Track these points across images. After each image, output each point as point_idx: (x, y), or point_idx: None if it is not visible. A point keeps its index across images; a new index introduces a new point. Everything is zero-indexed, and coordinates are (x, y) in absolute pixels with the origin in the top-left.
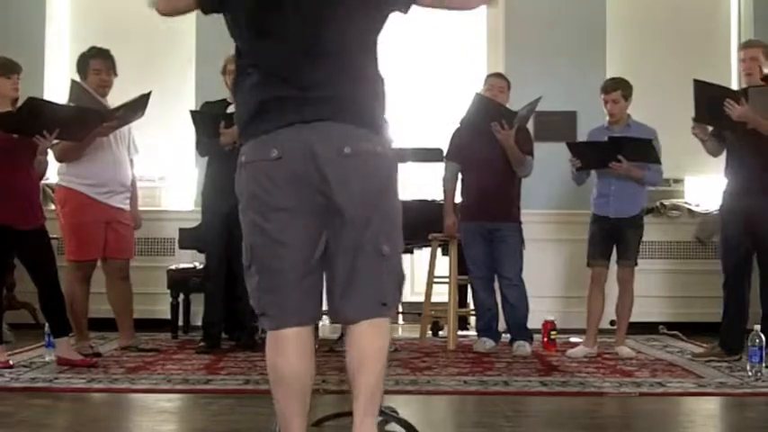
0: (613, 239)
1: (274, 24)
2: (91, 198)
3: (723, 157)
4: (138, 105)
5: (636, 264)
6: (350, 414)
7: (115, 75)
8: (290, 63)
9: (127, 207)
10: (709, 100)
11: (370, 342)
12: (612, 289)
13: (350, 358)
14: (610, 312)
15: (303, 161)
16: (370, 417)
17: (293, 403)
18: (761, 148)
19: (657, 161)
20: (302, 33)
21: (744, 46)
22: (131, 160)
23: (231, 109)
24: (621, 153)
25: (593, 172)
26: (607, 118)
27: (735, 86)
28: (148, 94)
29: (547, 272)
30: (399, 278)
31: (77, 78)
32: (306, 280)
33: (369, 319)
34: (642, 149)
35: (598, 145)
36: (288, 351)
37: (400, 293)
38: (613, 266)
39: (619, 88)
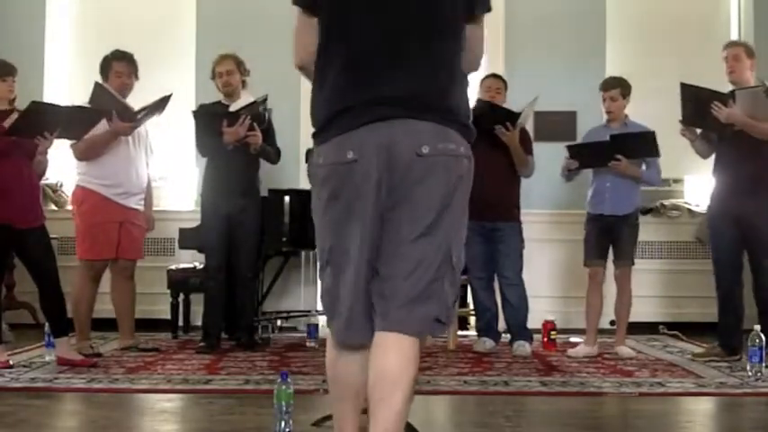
0: (609, 238)
1: (350, 19)
2: (107, 198)
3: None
4: (158, 107)
5: (633, 263)
6: None
7: (137, 78)
8: (366, 59)
9: (141, 208)
10: (697, 102)
11: (399, 364)
12: (611, 289)
13: (370, 378)
14: (610, 312)
15: (378, 162)
16: None
17: (346, 404)
18: (749, 150)
19: (659, 154)
20: (380, 28)
21: (726, 46)
22: (147, 162)
23: (233, 108)
24: (622, 151)
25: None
26: (605, 117)
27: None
28: (169, 96)
29: (547, 272)
30: (457, 296)
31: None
32: (367, 288)
33: (407, 335)
34: (645, 143)
35: (599, 145)
36: (347, 352)
37: (454, 314)
38: (611, 266)
39: (618, 86)
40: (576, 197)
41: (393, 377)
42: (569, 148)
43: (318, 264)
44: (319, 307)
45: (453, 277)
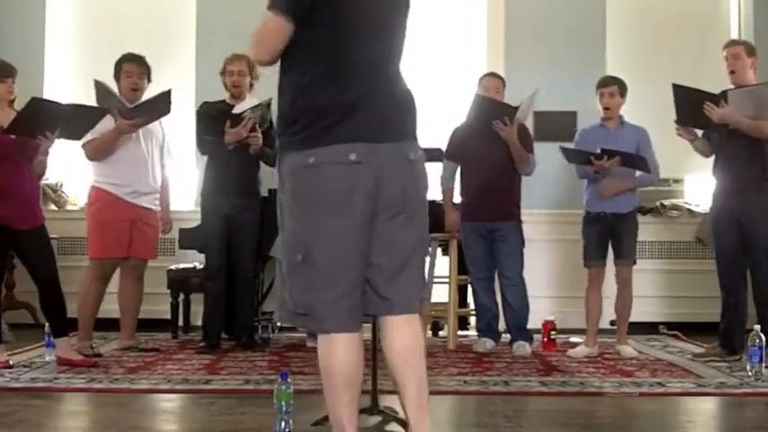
0: (609, 238)
1: (337, 32)
2: (117, 197)
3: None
4: (158, 103)
5: (635, 262)
6: None
7: (149, 81)
8: (356, 78)
9: (155, 207)
10: (690, 103)
11: (412, 338)
12: (611, 288)
13: (394, 355)
14: (610, 312)
15: (373, 167)
16: (425, 409)
17: (342, 394)
18: (747, 148)
19: (647, 170)
20: (359, 48)
21: (726, 45)
22: (163, 164)
23: (237, 110)
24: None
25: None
26: (601, 115)
27: None
28: (169, 91)
29: (547, 272)
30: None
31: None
32: (358, 287)
33: (408, 315)
34: (633, 163)
35: (590, 155)
36: (338, 347)
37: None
38: (611, 267)
39: (616, 84)
40: (576, 197)
41: (414, 350)
42: (563, 150)
43: (289, 254)
44: None
45: (424, 265)
